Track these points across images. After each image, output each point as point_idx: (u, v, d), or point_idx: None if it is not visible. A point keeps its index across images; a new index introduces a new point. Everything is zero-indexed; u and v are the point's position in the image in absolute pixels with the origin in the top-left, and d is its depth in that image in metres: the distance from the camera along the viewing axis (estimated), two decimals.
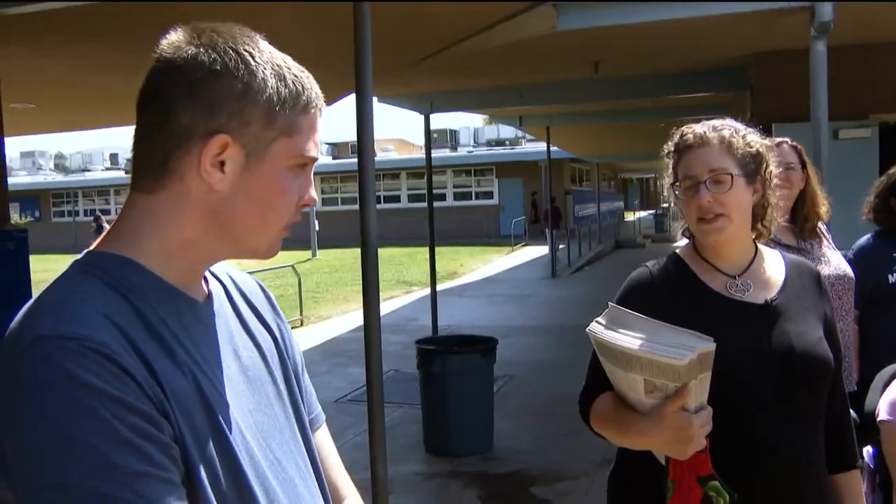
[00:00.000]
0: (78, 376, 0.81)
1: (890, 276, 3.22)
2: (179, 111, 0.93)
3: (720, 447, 1.51)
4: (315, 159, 1.01)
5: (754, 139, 1.73)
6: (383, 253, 24.32)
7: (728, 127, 1.72)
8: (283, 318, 1.22)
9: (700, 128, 1.73)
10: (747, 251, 1.76)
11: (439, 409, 5.37)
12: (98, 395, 0.81)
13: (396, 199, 33.62)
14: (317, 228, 24.62)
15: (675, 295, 1.64)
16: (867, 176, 7.15)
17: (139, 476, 0.81)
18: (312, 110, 0.99)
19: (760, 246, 1.80)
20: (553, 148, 18.71)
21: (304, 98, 0.98)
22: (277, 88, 0.95)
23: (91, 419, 0.80)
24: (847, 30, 6.32)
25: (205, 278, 1.06)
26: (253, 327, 1.12)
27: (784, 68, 7.17)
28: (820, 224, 2.99)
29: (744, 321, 1.63)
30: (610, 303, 1.57)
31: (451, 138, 38.97)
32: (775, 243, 2.79)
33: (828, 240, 3.01)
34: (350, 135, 43.64)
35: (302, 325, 11.76)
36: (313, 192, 1.04)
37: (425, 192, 36.76)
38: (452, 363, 5.32)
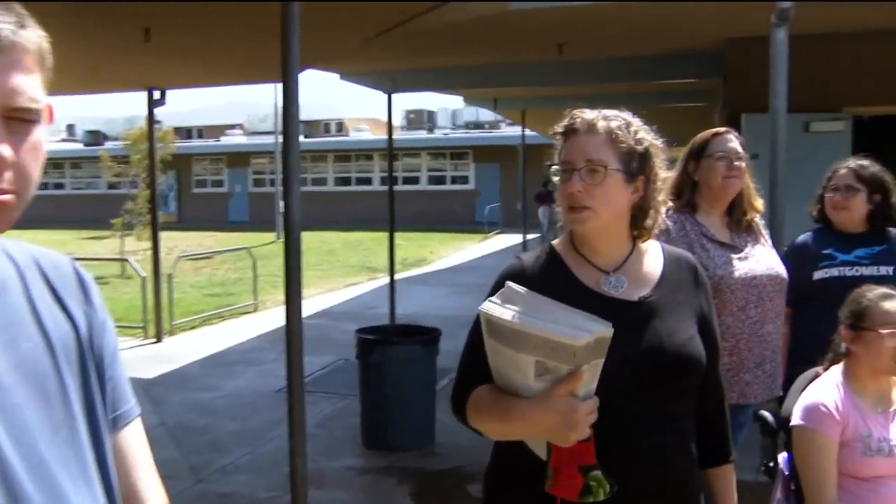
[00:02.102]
0: None
1: (814, 274, 3.24)
2: None
3: None
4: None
5: (645, 137, 1.74)
6: (352, 237, 24.73)
7: (620, 119, 1.73)
8: (95, 306, 1.16)
9: (591, 114, 1.73)
10: (622, 247, 1.78)
11: (378, 402, 5.36)
12: None
13: (368, 181, 33.49)
14: (281, 210, 24.31)
15: (546, 288, 1.62)
16: None
17: None
18: None
19: (640, 242, 1.80)
20: (531, 133, 18.67)
21: None
22: None
23: None
24: (820, 20, 6.34)
25: None
26: (45, 315, 1.06)
27: (755, 56, 7.16)
28: (757, 218, 3.00)
29: (615, 319, 1.61)
30: (507, 282, 1.57)
31: (429, 119, 38.86)
32: (708, 239, 2.81)
33: (764, 236, 3.02)
34: (324, 112, 43.44)
35: (256, 310, 11.68)
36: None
37: (398, 174, 36.44)
38: (392, 353, 5.30)
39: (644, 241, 1.80)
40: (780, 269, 2.89)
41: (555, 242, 1.84)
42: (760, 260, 2.86)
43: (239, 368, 8.13)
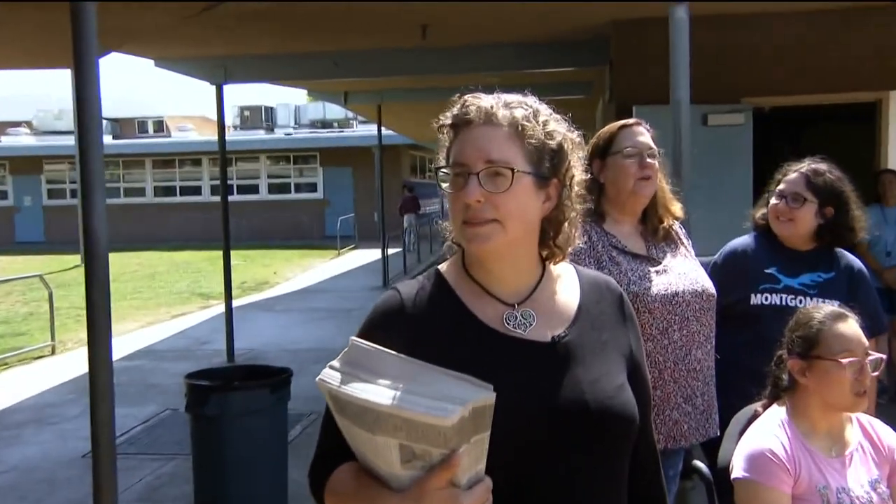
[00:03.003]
0: None
1: (752, 296, 3.18)
2: None
3: None
4: None
5: (558, 129, 1.63)
6: (179, 257, 24.03)
7: (526, 107, 1.61)
8: None
9: (489, 101, 1.60)
10: (531, 272, 1.66)
11: (215, 463, 5.00)
12: None
13: (197, 190, 32.52)
14: None
15: (432, 329, 1.54)
16: (740, 167, 7.49)
17: None
18: None
19: (550, 265, 1.69)
20: (388, 132, 18.54)
21: None
22: None
23: None
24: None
25: None
26: None
27: (646, 40, 7.27)
28: (675, 225, 2.93)
29: (523, 366, 1.55)
30: (352, 338, 1.45)
31: (267, 117, 38.20)
32: (619, 251, 2.68)
33: (685, 245, 2.94)
34: (139, 109, 41.89)
35: (53, 352, 10.93)
36: None
37: (233, 182, 35.84)
38: (232, 403, 4.95)
39: (556, 264, 1.69)
40: (707, 283, 2.82)
41: (442, 268, 1.70)
42: (682, 273, 2.78)
43: (29, 431, 7.48)
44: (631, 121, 2.88)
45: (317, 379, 1.39)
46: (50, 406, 8.26)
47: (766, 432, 2.35)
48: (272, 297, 15.87)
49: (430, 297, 1.63)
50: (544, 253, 1.67)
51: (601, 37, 8.55)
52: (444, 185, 1.60)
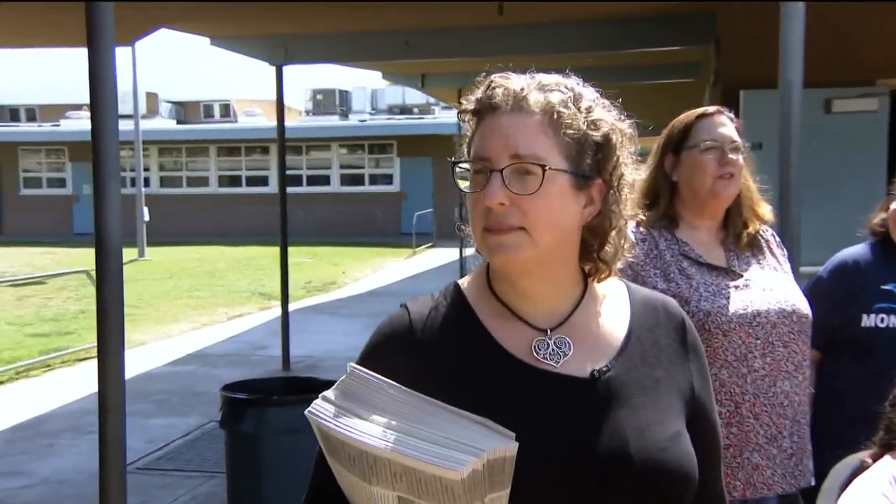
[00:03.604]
0: None
1: (864, 316, 3.02)
2: None
3: None
4: None
5: (605, 118, 1.50)
6: (242, 253, 24.40)
7: (565, 89, 1.48)
8: None
9: (520, 82, 1.49)
10: (568, 291, 1.54)
11: (250, 485, 4.99)
12: None
13: (264, 181, 32.99)
14: (146, 218, 23.79)
15: (444, 358, 1.45)
16: (870, 163, 7.12)
17: None
18: None
19: (594, 283, 1.58)
20: None
21: None
22: None
23: None
24: None
25: None
26: None
27: (757, 14, 6.99)
28: (762, 229, 2.80)
29: (554, 407, 1.43)
30: (350, 364, 1.40)
31: (342, 101, 38.65)
32: (690, 261, 2.54)
33: (776, 255, 2.78)
34: (205, 91, 42.81)
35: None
36: None
37: (302, 172, 36.56)
38: (270, 419, 4.92)
39: (600, 281, 1.57)
40: (799, 301, 2.68)
41: (462, 283, 1.60)
42: (768, 288, 2.65)
43: (65, 440, 7.62)
44: (711, 109, 2.76)
45: (306, 412, 1.34)
46: (88, 413, 8.34)
47: (873, 491, 2.15)
48: (338, 300, 16.07)
49: (446, 319, 1.52)
50: (587, 268, 1.55)
51: (706, 10, 8.30)
52: (463, 185, 1.49)
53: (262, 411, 4.96)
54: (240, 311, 14.74)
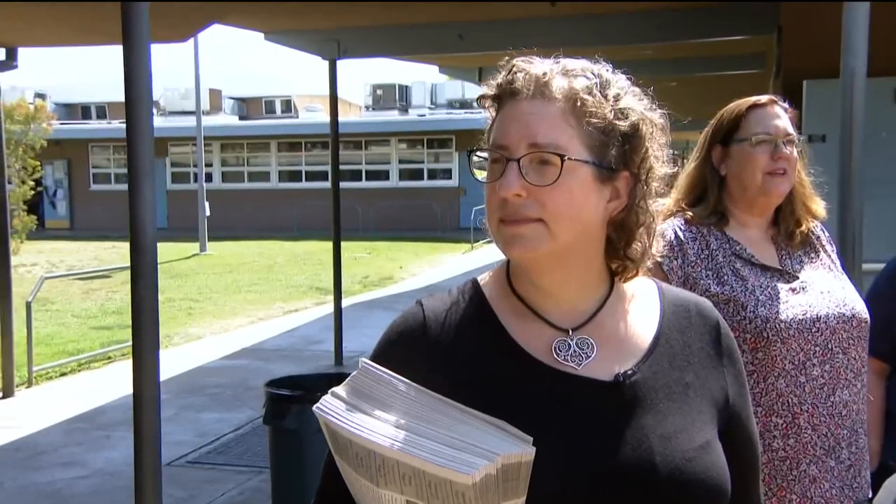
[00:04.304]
0: None
1: None
2: None
3: None
4: None
5: (634, 106, 1.42)
6: (300, 248, 24.50)
7: (591, 75, 1.41)
8: None
9: (543, 66, 1.41)
10: (593, 289, 1.47)
11: (294, 484, 4.96)
12: None
13: (324, 175, 33.16)
14: (207, 213, 24.05)
15: (459, 357, 1.40)
16: None
17: None
18: None
19: (621, 282, 1.51)
20: None
21: None
22: None
23: None
24: None
25: None
26: None
27: (822, 3, 6.79)
28: (815, 227, 2.63)
29: (574, 411, 1.37)
30: (362, 360, 1.35)
31: (402, 96, 38.70)
32: (744, 262, 2.42)
33: (828, 251, 2.63)
34: (265, 86, 43.15)
35: (160, 347, 11.30)
36: None
37: (361, 167, 36.57)
38: (312, 416, 4.83)
39: (628, 280, 1.49)
40: (858, 305, 2.51)
41: (482, 279, 1.53)
42: (826, 292, 2.49)
43: (120, 433, 7.66)
44: (763, 98, 2.57)
45: (314, 407, 1.29)
46: None
47: None
48: (394, 295, 16.02)
49: (462, 316, 1.46)
50: (614, 266, 1.47)
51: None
52: (480, 175, 1.43)
53: (305, 408, 4.94)
54: (296, 306, 14.83)
